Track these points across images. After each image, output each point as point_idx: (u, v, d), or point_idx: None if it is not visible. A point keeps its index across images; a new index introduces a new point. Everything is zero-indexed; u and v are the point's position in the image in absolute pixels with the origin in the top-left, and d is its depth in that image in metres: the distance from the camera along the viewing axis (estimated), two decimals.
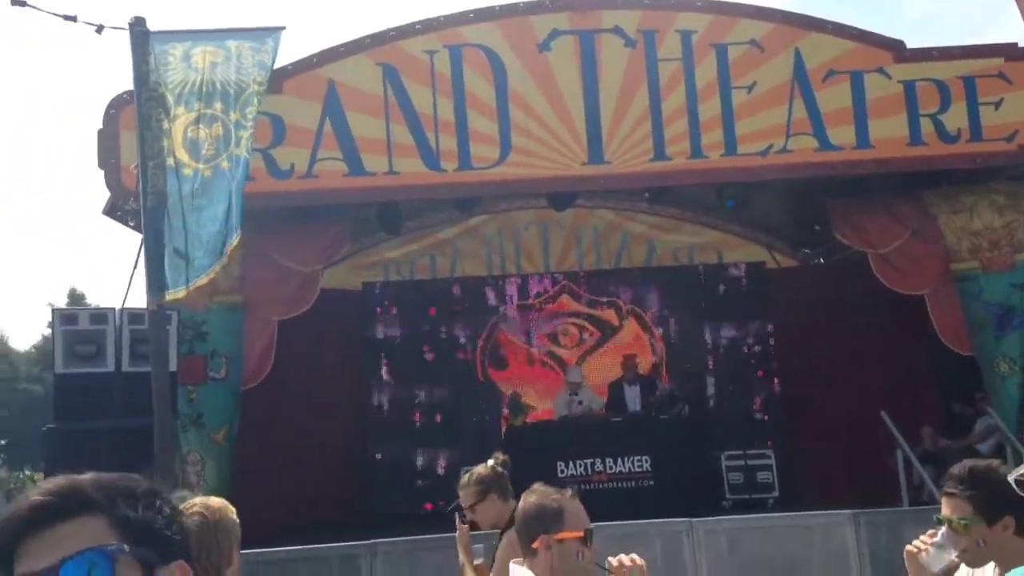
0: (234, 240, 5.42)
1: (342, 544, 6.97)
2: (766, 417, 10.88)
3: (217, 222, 5.39)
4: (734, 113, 8.72)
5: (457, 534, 3.67)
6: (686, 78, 8.75)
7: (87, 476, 0.97)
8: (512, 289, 11.29)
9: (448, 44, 8.60)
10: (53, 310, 7.60)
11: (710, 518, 7.23)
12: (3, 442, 55.92)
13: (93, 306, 18.41)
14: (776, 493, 9.59)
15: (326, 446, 9.78)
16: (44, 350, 53.82)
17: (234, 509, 2.38)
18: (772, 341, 11.02)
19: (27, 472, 41.80)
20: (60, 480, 0.94)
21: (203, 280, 5.60)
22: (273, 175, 8.18)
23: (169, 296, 5.64)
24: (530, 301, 11.25)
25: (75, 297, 54.14)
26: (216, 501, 2.37)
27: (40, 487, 0.93)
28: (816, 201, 9.65)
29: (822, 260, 11.79)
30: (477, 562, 3.63)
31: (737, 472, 9.72)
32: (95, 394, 7.07)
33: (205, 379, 8.73)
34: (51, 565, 0.87)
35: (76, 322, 7.47)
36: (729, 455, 9.77)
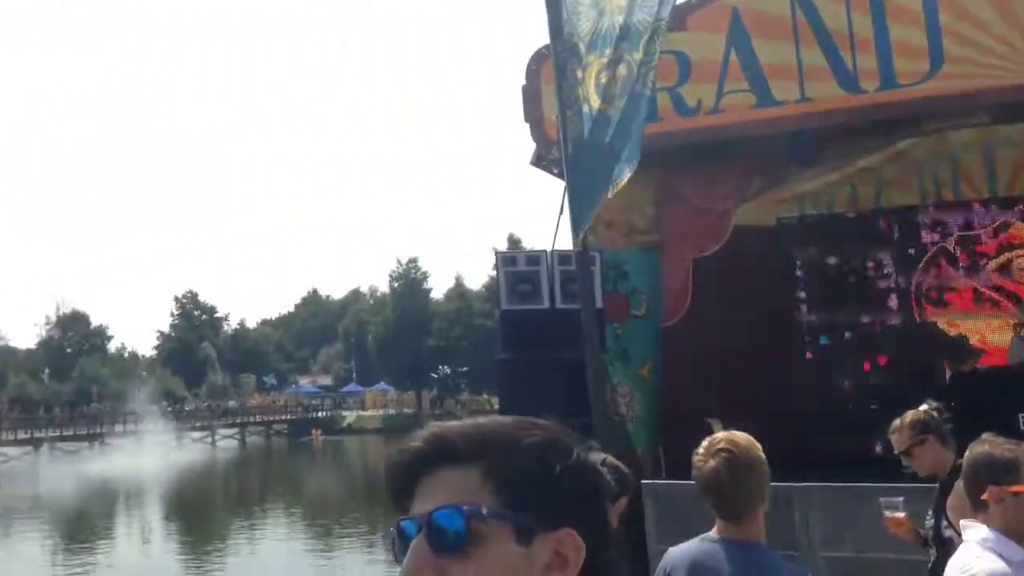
0: (627, 175, 5.60)
1: (774, 484, 6.94)
2: None
3: (619, 159, 5.60)
4: None
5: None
6: None
7: (464, 423, 0.89)
8: (951, 219, 10.11)
9: None
10: (496, 253, 8.62)
11: None
12: (464, 369, 65.12)
13: (528, 249, 20.33)
14: None
15: (747, 384, 9.77)
16: (491, 288, 61.17)
17: (759, 445, 2.36)
18: None
19: (485, 396, 48.26)
20: (433, 427, 0.88)
21: (593, 215, 5.89)
22: (680, 113, 8.27)
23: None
24: (974, 232, 9.99)
25: (513, 241, 60.63)
26: (741, 436, 2.36)
27: (418, 433, 0.89)
28: None
29: None
30: (899, 515, 3.54)
31: None
32: (535, 328, 7.91)
33: (628, 316, 9.25)
34: (424, 512, 0.83)
35: (515, 264, 8.36)
36: None
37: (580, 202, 5.99)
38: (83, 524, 24.05)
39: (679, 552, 2.38)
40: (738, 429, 2.53)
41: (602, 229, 8.59)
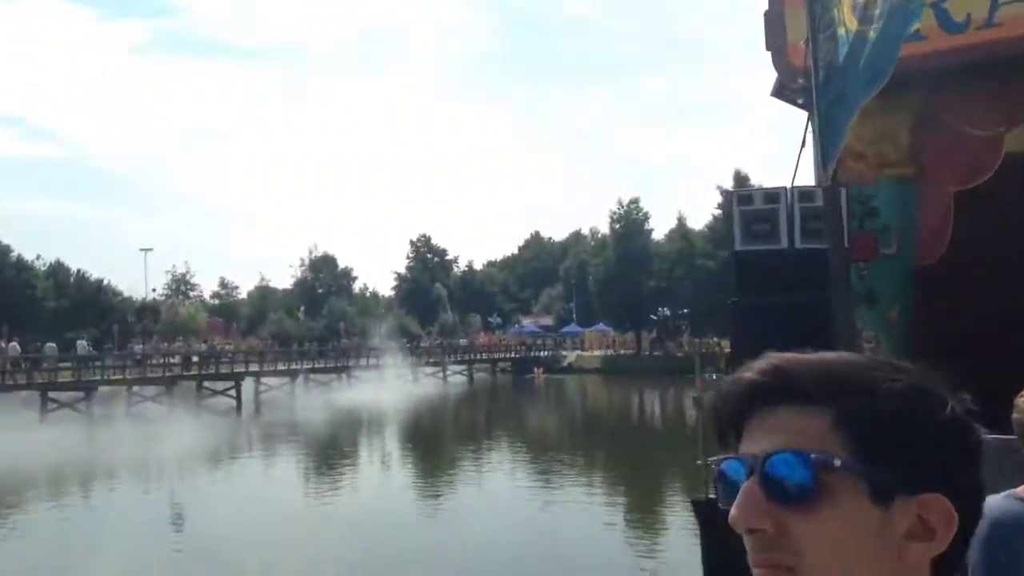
0: (871, 95, 5.05)
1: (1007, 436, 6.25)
2: None
3: (872, 82, 5.08)
4: None
5: None
6: None
7: (808, 358, 0.78)
8: None
9: None
10: (727, 192, 8.32)
11: None
12: (685, 311, 64.14)
13: (759, 186, 19.32)
14: None
15: (1015, 333, 8.80)
16: (714, 228, 59.46)
17: None
18: None
19: (714, 339, 47.30)
20: (772, 358, 0.79)
21: (842, 145, 5.42)
22: (946, 30, 7.43)
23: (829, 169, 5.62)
24: None
25: (739, 179, 58.24)
26: None
27: (754, 365, 0.80)
28: None
29: None
30: None
31: None
32: (772, 270, 7.56)
33: (876, 255, 8.58)
34: (760, 453, 0.74)
35: (751, 202, 7.98)
36: None
37: (831, 132, 5.54)
38: (333, 447, 26.44)
39: None
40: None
41: (850, 162, 7.95)
